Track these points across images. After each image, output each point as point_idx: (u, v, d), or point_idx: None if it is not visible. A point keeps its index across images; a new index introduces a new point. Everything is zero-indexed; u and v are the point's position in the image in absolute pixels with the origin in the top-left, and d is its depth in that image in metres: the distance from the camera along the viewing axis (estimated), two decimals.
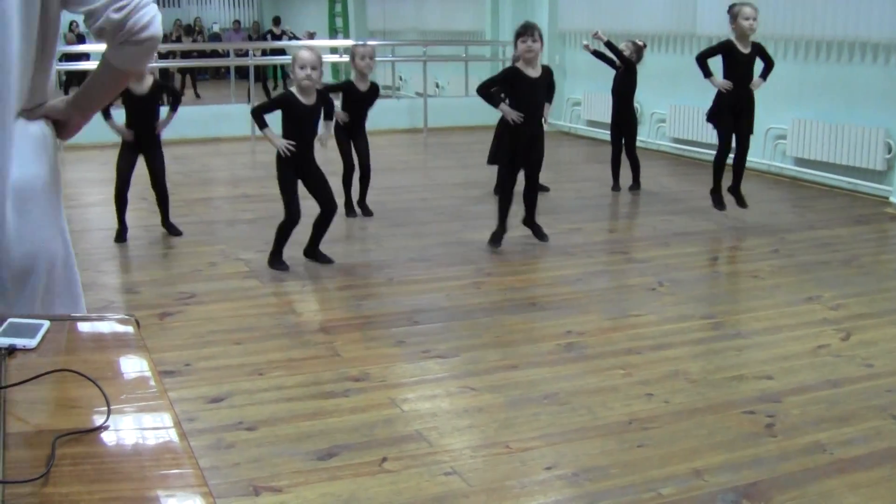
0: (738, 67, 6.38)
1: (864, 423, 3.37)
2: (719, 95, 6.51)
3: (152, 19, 1.90)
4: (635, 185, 8.08)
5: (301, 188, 5.37)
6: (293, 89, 5.28)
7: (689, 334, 4.38)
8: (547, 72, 5.75)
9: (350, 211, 6.91)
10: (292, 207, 5.33)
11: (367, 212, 6.94)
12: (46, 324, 1.61)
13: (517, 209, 5.96)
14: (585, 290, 5.10)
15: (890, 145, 7.56)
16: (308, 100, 5.22)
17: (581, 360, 4.01)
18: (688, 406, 3.53)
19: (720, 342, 4.28)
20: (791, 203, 7.64)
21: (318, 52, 5.27)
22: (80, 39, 17.62)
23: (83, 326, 1.76)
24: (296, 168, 5.29)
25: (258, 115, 5.28)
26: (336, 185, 6.89)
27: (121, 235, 6.09)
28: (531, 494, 2.86)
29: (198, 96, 17.14)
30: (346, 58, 7.19)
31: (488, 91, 5.79)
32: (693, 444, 3.19)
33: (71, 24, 21.01)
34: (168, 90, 6.72)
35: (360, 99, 6.72)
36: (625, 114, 7.94)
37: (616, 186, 8.06)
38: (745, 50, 6.36)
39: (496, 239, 5.87)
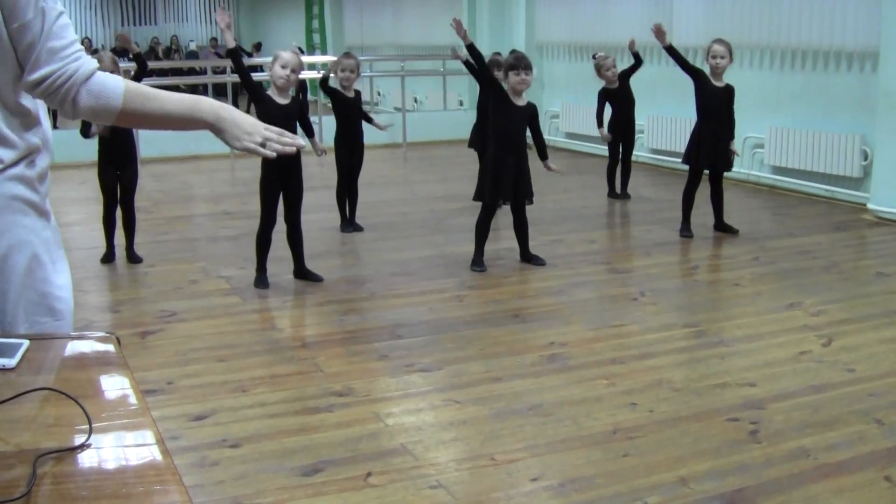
0: (711, 100, 6.37)
1: (847, 427, 3.39)
2: (696, 133, 6.49)
3: (76, 96, 1.75)
4: (624, 192, 8.14)
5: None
6: (270, 91, 5.31)
7: (672, 343, 4.39)
8: (530, 106, 5.68)
9: (344, 226, 6.88)
10: (266, 213, 5.33)
11: (356, 227, 6.92)
12: (26, 343, 1.60)
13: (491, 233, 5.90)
14: (568, 301, 5.10)
15: (866, 152, 7.63)
16: (283, 99, 5.27)
17: (565, 370, 4.01)
18: (672, 414, 3.53)
19: (703, 350, 4.30)
20: (770, 211, 7.69)
21: (300, 58, 5.34)
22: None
23: (63, 345, 1.74)
24: (280, 174, 5.25)
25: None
26: (325, 199, 6.88)
27: (108, 257, 6.02)
28: None
29: None
30: (324, 73, 7.15)
31: (478, 52, 5.79)
32: (678, 453, 3.20)
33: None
34: None
35: (349, 105, 6.71)
36: (626, 121, 8.03)
37: (613, 192, 8.14)
38: (718, 84, 6.39)
39: (477, 263, 5.79)
